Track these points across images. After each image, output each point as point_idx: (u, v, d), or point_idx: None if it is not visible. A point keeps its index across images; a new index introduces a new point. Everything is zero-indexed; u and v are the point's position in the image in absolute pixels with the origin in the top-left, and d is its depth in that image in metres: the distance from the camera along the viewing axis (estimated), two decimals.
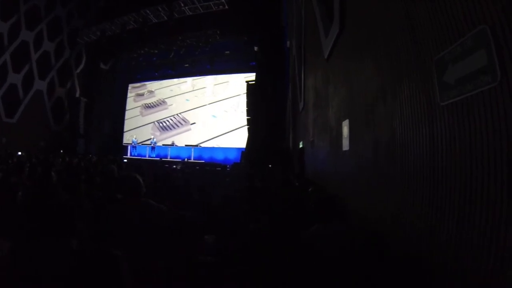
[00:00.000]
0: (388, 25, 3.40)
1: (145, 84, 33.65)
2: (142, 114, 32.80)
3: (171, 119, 31.25)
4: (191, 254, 2.70)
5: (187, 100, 31.12)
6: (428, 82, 2.50)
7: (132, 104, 33.63)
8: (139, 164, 7.84)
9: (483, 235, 1.83)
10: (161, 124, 31.34)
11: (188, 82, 31.71)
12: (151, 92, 33.26)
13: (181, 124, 30.66)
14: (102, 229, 3.43)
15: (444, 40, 2.22)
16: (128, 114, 33.48)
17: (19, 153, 16.82)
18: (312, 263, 3.14)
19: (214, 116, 29.02)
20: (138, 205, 3.44)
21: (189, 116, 30.51)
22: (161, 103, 32.37)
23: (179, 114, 31.09)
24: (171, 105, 31.84)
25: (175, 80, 32.15)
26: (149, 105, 32.81)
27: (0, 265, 2.22)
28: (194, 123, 29.97)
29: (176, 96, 31.92)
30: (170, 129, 30.88)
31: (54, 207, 2.46)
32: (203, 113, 29.75)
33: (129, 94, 33.96)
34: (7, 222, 3.36)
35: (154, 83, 33.21)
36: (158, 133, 30.96)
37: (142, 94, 33.64)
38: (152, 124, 31.75)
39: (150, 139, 30.36)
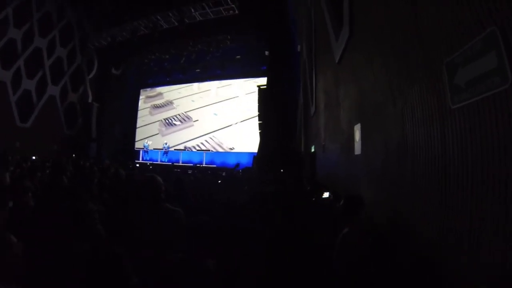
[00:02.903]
0: (398, 28, 3.39)
1: (154, 88, 33.22)
2: (151, 114, 32.19)
3: (175, 117, 30.56)
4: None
5: (192, 101, 30.44)
6: (438, 85, 2.48)
7: (142, 105, 33.09)
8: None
9: (495, 239, 1.81)
10: (166, 121, 30.73)
11: (194, 85, 30.89)
12: (160, 94, 32.58)
13: (185, 120, 29.93)
14: (116, 232, 3.44)
15: (454, 42, 2.21)
16: (138, 114, 33.10)
17: (33, 157, 16.98)
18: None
19: (215, 114, 28.54)
20: (155, 210, 3.43)
21: (193, 115, 29.84)
22: (168, 104, 31.71)
23: (181, 114, 30.40)
24: (178, 105, 31.12)
25: (183, 84, 31.44)
26: (158, 105, 32.13)
27: (14, 265, 2.24)
28: (197, 120, 29.38)
29: (183, 98, 31.14)
30: (174, 125, 30.29)
31: (64, 211, 2.48)
32: (206, 111, 29.17)
33: (139, 97, 33.46)
34: (21, 225, 3.40)
35: (163, 87, 32.66)
36: (164, 129, 30.51)
37: (152, 96, 33.05)
38: (159, 121, 31.08)
39: (163, 142, 29.99)
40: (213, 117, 28.75)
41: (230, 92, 28.63)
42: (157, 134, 31.09)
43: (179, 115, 30.72)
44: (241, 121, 27.19)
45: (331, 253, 3.35)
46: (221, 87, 29.31)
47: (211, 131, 28.40)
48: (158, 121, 31.22)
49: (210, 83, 29.80)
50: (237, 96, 28.12)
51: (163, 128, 30.84)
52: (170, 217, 3.45)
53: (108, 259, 2.10)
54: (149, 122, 31.99)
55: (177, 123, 30.60)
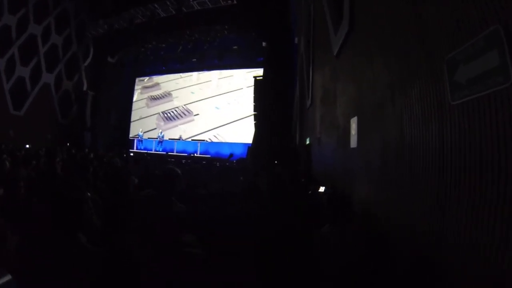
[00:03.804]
0: (398, 23, 3.37)
1: (151, 78, 31.96)
2: (148, 106, 31.05)
3: (175, 110, 29.37)
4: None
5: (192, 92, 29.14)
6: (439, 81, 2.48)
7: (139, 96, 31.93)
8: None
9: (492, 240, 1.82)
10: (165, 115, 29.59)
11: (193, 76, 29.60)
12: (157, 84, 31.36)
13: (185, 114, 28.75)
14: (114, 223, 3.45)
15: (456, 39, 2.20)
16: (134, 105, 31.78)
17: (27, 145, 16.91)
18: (323, 264, 3.15)
19: (217, 108, 27.47)
20: (166, 202, 3.44)
21: (193, 108, 28.64)
22: (166, 95, 30.48)
23: (182, 106, 29.10)
24: (176, 97, 29.93)
25: (181, 74, 30.23)
26: (155, 97, 30.87)
27: (9, 258, 2.23)
28: (198, 114, 28.24)
29: (182, 89, 29.81)
30: (174, 119, 29.04)
31: (59, 201, 2.46)
32: (207, 104, 27.96)
33: (136, 87, 32.22)
34: (15, 215, 3.37)
35: (161, 76, 31.33)
36: (162, 123, 29.36)
37: (148, 87, 31.70)
38: (157, 114, 29.92)
39: (158, 131, 29.21)
40: (215, 111, 27.65)
41: (233, 84, 27.67)
42: (155, 128, 30.07)
43: (178, 108, 29.65)
44: (246, 117, 25.30)
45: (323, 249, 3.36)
46: (222, 78, 28.40)
47: (214, 127, 27.05)
48: (155, 114, 30.32)
49: (210, 74, 28.90)
50: (241, 89, 26.93)
51: (162, 123, 29.80)
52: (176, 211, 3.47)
53: (120, 257, 2.10)
54: (146, 115, 31.00)
55: (177, 117, 29.46)
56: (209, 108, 27.94)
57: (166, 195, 3.48)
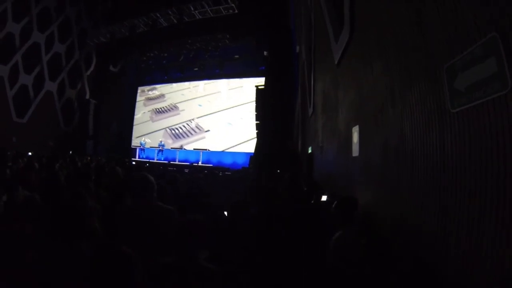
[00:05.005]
0: (398, 32, 3.40)
1: (155, 87, 31.02)
2: (152, 120, 29.84)
3: (184, 126, 27.80)
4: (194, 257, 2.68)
5: (199, 105, 27.82)
6: (438, 89, 2.50)
7: (142, 108, 30.95)
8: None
9: (493, 245, 1.83)
10: (173, 131, 28.05)
11: (200, 86, 28.42)
12: (162, 96, 30.26)
13: (195, 131, 27.02)
14: (112, 230, 3.46)
15: (455, 47, 2.23)
16: (138, 120, 30.76)
17: (29, 153, 16.94)
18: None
19: (229, 123, 25.85)
20: (148, 207, 3.47)
21: (202, 123, 27.02)
22: (172, 108, 29.07)
23: (192, 121, 27.47)
24: (183, 110, 28.47)
25: (187, 84, 29.14)
26: (160, 110, 29.71)
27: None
28: (208, 130, 26.50)
29: (188, 101, 28.41)
30: (184, 136, 27.39)
31: (63, 209, 2.47)
32: (218, 119, 26.34)
33: (138, 98, 31.61)
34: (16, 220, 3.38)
35: (165, 87, 30.41)
36: (170, 141, 27.77)
37: (152, 98, 30.64)
38: (163, 130, 28.63)
39: (158, 141, 28.71)
40: (228, 128, 26.07)
41: (244, 96, 26.09)
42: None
43: (188, 124, 28.15)
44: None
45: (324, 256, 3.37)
46: (231, 89, 27.10)
47: (228, 147, 25.35)
48: (161, 129, 29.08)
49: (218, 85, 27.89)
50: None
51: (169, 140, 28.40)
52: (162, 216, 3.49)
53: (118, 261, 2.10)
54: (151, 131, 29.75)
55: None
56: (221, 123, 26.41)
57: (144, 203, 3.51)
